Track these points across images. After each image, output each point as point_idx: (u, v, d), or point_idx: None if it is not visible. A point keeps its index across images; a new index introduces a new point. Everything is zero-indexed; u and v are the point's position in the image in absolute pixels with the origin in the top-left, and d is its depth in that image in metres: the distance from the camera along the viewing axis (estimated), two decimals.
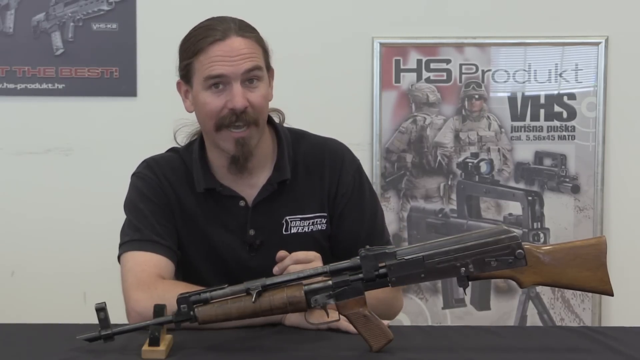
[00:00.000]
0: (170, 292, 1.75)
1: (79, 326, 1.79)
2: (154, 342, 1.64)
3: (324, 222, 2.06)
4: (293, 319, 1.81)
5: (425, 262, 1.67)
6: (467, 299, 3.28)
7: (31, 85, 3.23)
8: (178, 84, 2.04)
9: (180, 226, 2.03)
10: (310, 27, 3.23)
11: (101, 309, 1.66)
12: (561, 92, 3.27)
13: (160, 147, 2.15)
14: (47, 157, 3.25)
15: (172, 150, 2.12)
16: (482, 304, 3.29)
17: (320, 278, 1.70)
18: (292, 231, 2.04)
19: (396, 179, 3.27)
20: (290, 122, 2.15)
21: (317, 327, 1.76)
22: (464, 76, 3.25)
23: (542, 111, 3.27)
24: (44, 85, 3.23)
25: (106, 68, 3.22)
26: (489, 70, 3.25)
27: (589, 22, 3.24)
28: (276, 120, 2.10)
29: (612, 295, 1.70)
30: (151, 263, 1.95)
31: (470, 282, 1.68)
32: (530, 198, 3.28)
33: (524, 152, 3.27)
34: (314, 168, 2.06)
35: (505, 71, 3.26)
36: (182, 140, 2.12)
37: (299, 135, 2.10)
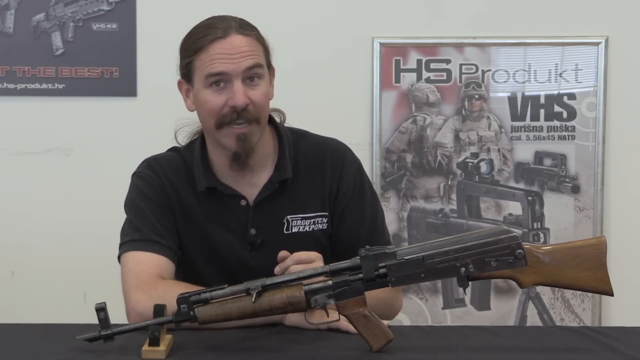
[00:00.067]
0: (171, 292, 1.75)
1: (79, 326, 1.79)
2: (154, 342, 1.64)
3: (325, 221, 2.06)
4: (293, 319, 1.81)
5: (425, 262, 1.67)
6: (467, 299, 3.28)
7: (31, 85, 3.22)
8: (179, 82, 2.04)
9: (181, 226, 2.03)
10: (310, 28, 3.23)
11: (101, 309, 1.66)
12: (561, 92, 3.27)
13: (160, 146, 2.15)
14: (47, 157, 3.25)
15: (173, 149, 2.12)
16: (482, 304, 3.29)
17: (320, 278, 1.70)
18: (293, 230, 2.04)
19: (396, 179, 3.27)
20: (291, 122, 2.15)
21: (317, 327, 1.76)
22: (464, 76, 3.25)
23: (542, 111, 3.27)
24: (44, 85, 3.23)
25: (106, 68, 3.22)
26: (489, 70, 3.25)
27: (589, 22, 3.24)
28: (277, 120, 2.10)
29: (612, 295, 1.70)
30: (151, 263, 1.95)
31: (470, 282, 1.68)
32: (530, 198, 3.28)
33: (524, 152, 3.27)
34: (315, 167, 2.06)
35: (505, 71, 3.26)
36: (183, 140, 2.12)
37: (300, 135, 2.11)
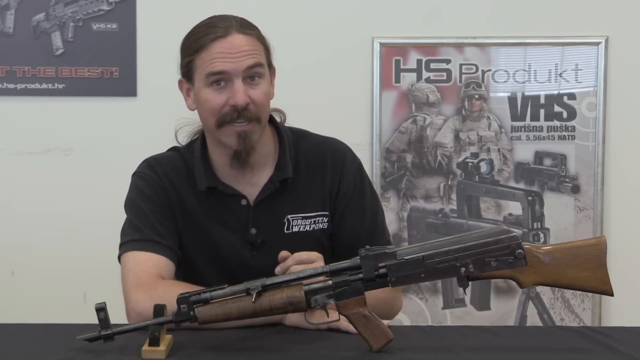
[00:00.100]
0: (171, 292, 1.75)
1: (79, 326, 1.79)
2: (154, 342, 1.64)
3: (326, 220, 2.06)
4: (293, 319, 1.81)
5: (425, 262, 1.67)
6: (467, 299, 3.28)
7: (31, 85, 3.22)
8: (180, 82, 2.04)
9: (181, 225, 2.04)
10: (310, 28, 3.23)
11: (101, 309, 1.66)
12: (561, 92, 3.27)
13: (160, 146, 2.15)
14: (47, 157, 3.25)
15: (173, 149, 2.12)
16: (482, 304, 3.29)
17: (320, 278, 1.70)
18: (294, 230, 2.04)
19: (396, 179, 3.27)
20: (291, 122, 2.15)
21: (317, 327, 1.76)
22: (464, 76, 3.25)
23: (542, 111, 3.27)
24: (44, 85, 3.23)
25: (106, 68, 3.22)
26: (489, 70, 3.25)
27: (589, 22, 3.24)
28: (277, 120, 2.10)
29: (612, 295, 1.70)
30: (151, 263, 1.95)
31: (470, 282, 1.68)
32: (530, 198, 3.28)
33: (524, 152, 3.27)
34: (316, 167, 2.06)
35: (505, 71, 3.26)
36: (184, 140, 2.12)
37: (300, 135, 2.11)
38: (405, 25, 3.24)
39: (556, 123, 3.26)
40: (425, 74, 3.25)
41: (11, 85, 3.22)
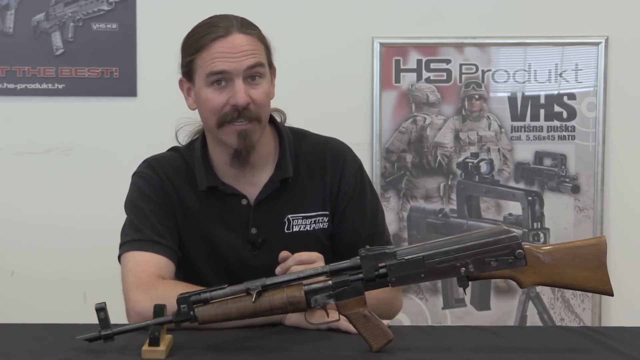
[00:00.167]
0: (171, 292, 1.75)
1: (79, 326, 1.79)
2: (154, 342, 1.64)
3: (326, 220, 2.06)
4: (293, 319, 1.81)
5: (425, 262, 1.67)
6: (467, 299, 3.28)
7: (31, 85, 3.23)
8: (180, 81, 2.04)
9: (182, 225, 2.04)
10: (310, 28, 3.23)
11: (101, 309, 1.66)
12: (561, 92, 3.27)
13: (160, 146, 2.15)
14: (47, 157, 3.25)
15: (173, 149, 2.12)
16: (482, 304, 3.29)
17: (320, 278, 1.70)
18: (294, 229, 2.04)
19: (396, 179, 3.27)
20: (291, 122, 2.15)
21: (317, 327, 1.76)
22: (464, 76, 3.25)
23: (542, 111, 3.27)
24: (44, 85, 3.23)
25: (106, 68, 3.22)
26: (489, 70, 3.25)
27: (589, 22, 3.24)
28: (278, 120, 2.10)
29: (612, 295, 1.70)
30: (151, 263, 1.95)
31: (470, 282, 1.68)
32: (530, 198, 3.28)
33: (524, 152, 3.27)
34: (316, 167, 2.07)
35: (505, 71, 3.26)
36: (184, 139, 2.12)
37: (301, 135, 2.11)
38: (405, 25, 3.24)
39: (556, 123, 3.26)
40: (425, 74, 3.25)
41: (11, 85, 3.22)
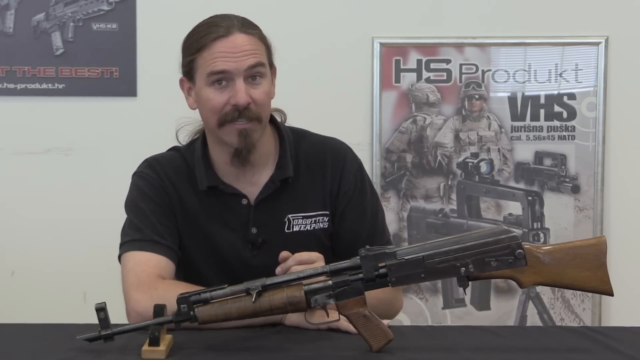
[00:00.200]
0: (171, 292, 1.75)
1: (79, 326, 1.79)
2: (154, 342, 1.64)
3: (326, 220, 2.06)
4: (293, 319, 1.81)
5: (425, 262, 1.67)
6: (467, 299, 3.28)
7: (31, 85, 3.23)
8: (181, 81, 2.04)
9: (182, 225, 2.04)
10: (310, 28, 3.23)
11: (101, 309, 1.66)
12: (561, 92, 3.27)
13: (160, 146, 2.15)
14: (47, 157, 3.25)
15: (174, 149, 2.12)
16: (482, 304, 3.29)
17: (320, 278, 1.70)
18: (295, 229, 2.04)
19: (396, 179, 3.27)
20: (291, 122, 2.15)
21: (317, 327, 1.76)
22: (464, 76, 3.25)
23: (542, 111, 3.27)
24: (44, 85, 3.23)
25: (106, 68, 3.22)
26: (489, 70, 3.25)
27: (589, 22, 3.24)
28: (278, 119, 2.11)
29: (612, 295, 1.70)
30: (151, 263, 1.95)
31: (470, 282, 1.68)
32: (530, 198, 3.28)
33: (524, 152, 3.27)
34: (316, 166, 2.07)
35: (505, 71, 3.26)
36: (184, 139, 2.12)
37: (301, 134, 2.11)
38: (405, 25, 3.24)
39: (556, 123, 3.26)
40: (425, 74, 3.25)
41: (11, 85, 3.22)
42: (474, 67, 3.25)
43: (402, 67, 3.24)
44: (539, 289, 3.27)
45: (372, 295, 1.70)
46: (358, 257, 1.68)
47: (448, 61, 3.25)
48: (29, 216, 3.25)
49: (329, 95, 3.23)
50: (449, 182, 3.28)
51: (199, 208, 2.03)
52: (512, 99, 3.26)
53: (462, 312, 3.29)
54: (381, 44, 3.22)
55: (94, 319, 1.67)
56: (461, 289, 1.70)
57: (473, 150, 3.27)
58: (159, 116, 3.07)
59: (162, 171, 2.05)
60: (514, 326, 3.14)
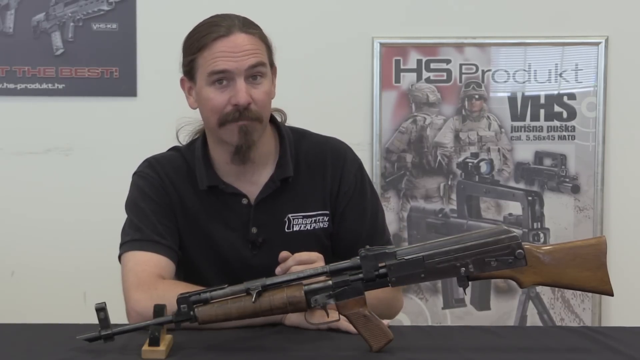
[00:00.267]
0: (171, 292, 1.75)
1: (79, 326, 1.78)
2: (154, 342, 1.64)
3: (326, 220, 2.06)
4: (293, 319, 1.81)
5: (425, 262, 1.67)
6: (467, 299, 3.28)
7: (31, 85, 3.23)
8: (181, 80, 2.04)
9: (182, 225, 2.04)
10: (310, 27, 3.23)
11: (101, 309, 1.66)
12: (561, 92, 3.27)
13: (160, 146, 2.15)
14: (47, 157, 3.25)
15: (174, 149, 2.12)
16: (482, 304, 3.29)
17: (320, 278, 1.70)
18: (295, 229, 2.04)
19: (396, 179, 3.27)
20: (291, 122, 2.15)
21: (317, 327, 1.76)
22: (464, 76, 3.25)
23: (542, 111, 3.27)
24: (44, 85, 3.23)
25: (106, 68, 3.22)
26: (489, 70, 3.25)
27: (589, 22, 3.24)
28: (278, 119, 2.11)
29: (612, 295, 1.70)
30: (152, 263, 1.95)
31: (470, 282, 1.68)
32: (530, 198, 3.28)
33: (524, 152, 3.27)
34: (316, 166, 2.07)
35: (505, 71, 3.26)
36: (185, 139, 2.12)
37: (301, 134, 2.11)
38: (405, 25, 3.24)
39: (556, 123, 3.26)
40: (425, 74, 3.25)
41: (11, 85, 3.22)
42: (474, 67, 3.25)
43: (402, 67, 3.24)
44: (539, 289, 3.27)
45: (372, 295, 1.70)
46: (358, 257, 1.68)
47: (448, 61, 3.25)
48: (29, 216, 3.25)
49: (329, 95, 3.23)
50: (449, 182, 3.28)
51: (199, 208, 2.03)
52: (512, 99, 3.26)
53: (462, 312, 3.29)
54: (381, 44, 3.22)
55: (94, 319, 1.67)
56: (461, 289, 1.70)
57: (473, 150, 3.27)
58: (159, 116, 3.07)
59: (162, 171, 2.05)
60: (514, 326, 3.14)
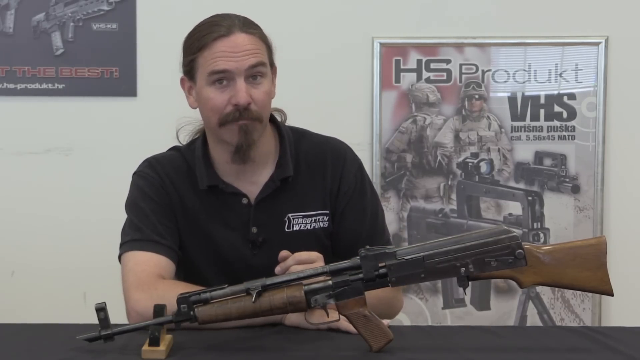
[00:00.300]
0: (171, 292, 1.75)
1: (79, 326, 1.78)
2: (154, 342, 1.64)
3: (326, 219, 2.06)
4: (293, 319, 1.81)
5: (425, 262, 1.67)
6: (467, 299, 3.28)
7: (31, 85, 3.23)
8: (181, 80, 2.04)
9: (182, 225, 2.04)
10: (310, 28, 3.23)
11: (101, 309, 1.66)
12: (561, 92, 3.27)
13: (160, 146, 2.15)
14: (47, 157, 3.25)
15: (174, 149, 2.12)
16: (482, 304, 3.29)
17: (320, 278, 1.70)
18: (295, 229, 2.04)
19: (396, 179, 3.27)
20: (291, 122, 2.15)
21: (317, 327, 1.76)
22: (464, 76, 3.25)
23: (542, 111, 3.27)
24: (44, 85, 3.23)
25: (106, 68, 3.22)
26: (489, 70, 3.25)
27: (589, 22, 3.24)
28: (278, 119, 2.11)
29: (612, 295, 1.70)
30: (152, 263, 1.95)
31: (470, 282, 1.68)
32: (530, 198, 3.28)
33: (524, 152, 3.27)
34: (316, 166, 2.07)
35: (505, 71, 3.26)
36: (185, 139, 2.12)
37: (301, 134, 2.11)
38: (405, 25, 3.24)
39: (556, 123, 3.26)
40: (425, 74, 3.25)
41: (11, 85, 3.22)
42: (474, 67, 3.25)
43: (402, 67, 3.24)
44: (539, 289, 3.27)
45: (372, 295, 1.70)
46: (358, 257, 1.68)
47: (448, 61, 3.25)
48: (29, 216, 3.24)
49: (329, 95, 3.23)
50: (449, 182, 3.28)
51: (199, 207, 2.04)
52: (512, 99, 3.26)
53: (462, 312, 3.29)
54: (381, 44, 3.22)
55: (94, 319, 1.67)
56: (461, 289, 1.70)
57: (473, 150, 3.27)
58: (159, 116, 3.07)
59: (162, 171, 2.05)
60: (514, 326, 3.14)
